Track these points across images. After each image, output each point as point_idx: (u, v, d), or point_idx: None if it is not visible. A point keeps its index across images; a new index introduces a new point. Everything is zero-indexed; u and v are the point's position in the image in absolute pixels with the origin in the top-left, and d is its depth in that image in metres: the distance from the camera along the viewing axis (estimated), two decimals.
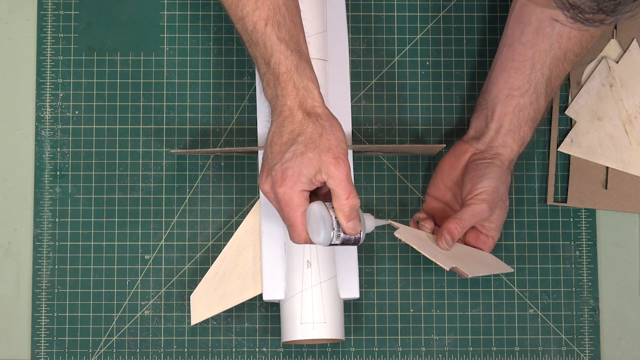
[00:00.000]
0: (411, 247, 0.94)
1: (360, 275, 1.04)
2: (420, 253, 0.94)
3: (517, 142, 1.00)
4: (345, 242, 0.91)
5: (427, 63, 1.11)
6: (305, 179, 0.90)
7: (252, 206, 1.04)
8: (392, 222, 0.95)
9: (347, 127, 1.04)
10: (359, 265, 1.02)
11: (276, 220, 1.02)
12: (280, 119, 0.91)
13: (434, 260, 0.92)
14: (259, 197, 1.03)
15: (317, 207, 0.90)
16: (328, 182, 0.89)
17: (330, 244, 0.91)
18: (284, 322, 1.00)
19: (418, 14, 1.11)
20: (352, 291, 1.01)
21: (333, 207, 0.90)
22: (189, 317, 1.05)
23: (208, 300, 1.01)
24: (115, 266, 1.07)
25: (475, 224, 0.99)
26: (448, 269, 0.93)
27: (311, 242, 0.91)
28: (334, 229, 0.90)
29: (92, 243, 1.07)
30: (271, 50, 0.92)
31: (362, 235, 0.92)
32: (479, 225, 1.01)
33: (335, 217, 0.90)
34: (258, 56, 0.93)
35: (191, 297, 1.02)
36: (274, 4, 0.92)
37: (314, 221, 0.90)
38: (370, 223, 0.93)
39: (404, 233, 0.94)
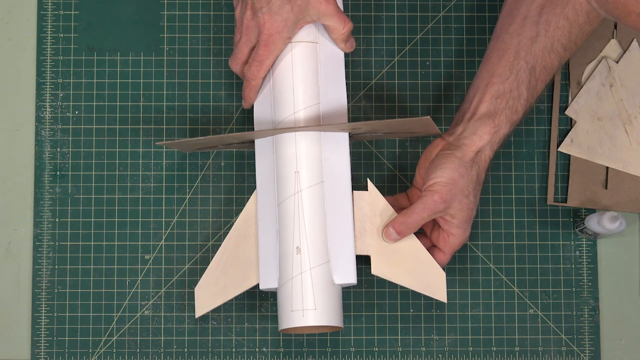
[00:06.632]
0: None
1: (360, 275, 1.04)
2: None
3: (489, 131, 0.96)
4: None
5: (427, 63, 1.11)
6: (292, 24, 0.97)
7: None
8: (369, 183, 0.99)
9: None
10: (358, 265, 1.02)
11: (272, 208, 1.00)
12: None
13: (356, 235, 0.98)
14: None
15: None
16: (321, 20, 0.97)
17: None
18: (278, 310, 0.98)
19: (418, 14, 1.11)
20: (348, 276, 0.97)
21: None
22: (189, 317, 1.05)
23: (211, 291, 1.00)
24: (115, 266, 1.07)
25: (431, 217, 0.97)
26: (358, 253, 0.98)
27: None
28: None
29: (92, 243, 1.07)
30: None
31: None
32: (441, 220, 0.98)
33: None
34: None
35: (195, 289, 1.00)
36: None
37: None
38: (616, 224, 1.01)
39: (368, 196, 0.99)
